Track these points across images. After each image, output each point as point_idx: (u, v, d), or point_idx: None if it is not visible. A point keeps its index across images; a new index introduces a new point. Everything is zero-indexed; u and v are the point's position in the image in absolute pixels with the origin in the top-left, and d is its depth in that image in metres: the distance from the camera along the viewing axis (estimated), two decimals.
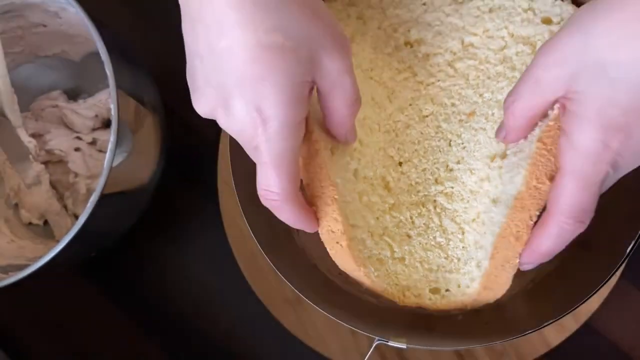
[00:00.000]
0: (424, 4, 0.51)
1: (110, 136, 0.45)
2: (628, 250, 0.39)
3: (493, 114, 0.47)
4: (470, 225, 0.47)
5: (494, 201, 0.47)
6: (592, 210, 0.34)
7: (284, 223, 0.43)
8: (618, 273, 0.49)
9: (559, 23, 0.47)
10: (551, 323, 0.40)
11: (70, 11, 0.51)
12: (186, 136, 0.62)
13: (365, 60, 0.50)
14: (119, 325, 0.61)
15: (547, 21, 0.48)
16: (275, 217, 0.42)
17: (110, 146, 0.45)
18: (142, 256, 0.62)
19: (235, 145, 0.44)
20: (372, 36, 0.50)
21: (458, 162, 0.48)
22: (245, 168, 0.47)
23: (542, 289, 0.47)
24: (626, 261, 0.40)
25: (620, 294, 0.51)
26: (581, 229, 0.35)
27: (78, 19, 0.47)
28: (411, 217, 0.48)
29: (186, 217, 0.62)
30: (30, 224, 0.58)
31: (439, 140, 0.48)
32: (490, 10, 0.49)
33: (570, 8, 0.47)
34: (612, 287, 0.51)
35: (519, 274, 0.47)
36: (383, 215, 0.47)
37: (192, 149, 0.63)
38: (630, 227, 0.41)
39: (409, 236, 0.48)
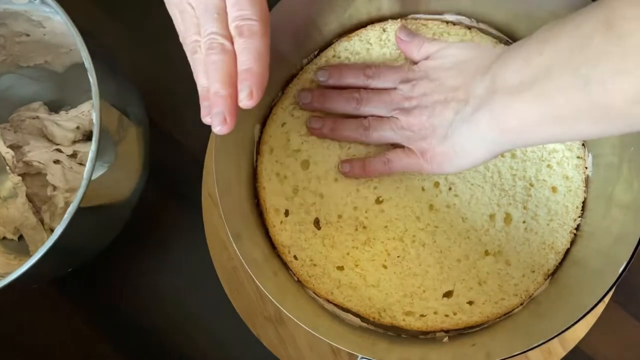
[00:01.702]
0: None
1: (92, 145, 0.44)
2: (620, 271, 0.39)
3: (492, 177, 0.48)
4: (452, 263, 0.47)
5: (486, 253, 0.47)
6: None
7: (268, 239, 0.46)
8: (607, 297, 0.49)
9: None
10: (543, 344, 0.39)
11: (55, 20, 0.50)
12: (171, 151, 0.62)
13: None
14: (93, 344, 0.59)
15: None
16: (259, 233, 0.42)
17: (90, 156, 0.44)
18: (122, 272, 0.60)
19: (220, 150, 0.44)
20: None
21: (448, 207, 0.48)
22: (229, 181, 0.46)
23: (532, 310, 0.46)
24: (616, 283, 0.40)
25: (610, 318, 0.51)
26: None
27: (63, 28, 0.46)
28: (387, 250, 0.48)
29: (169, 233, 0.61)
30: (4, 238, 0.57)
31: (423, 180, 0.49)
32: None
33: None
34: (602, 311, 0.50)
35: (507, 297, 0.47)
36: (354, 251, 0.48)
37: (177, 164, 0.62)
38: (623, 248, 0.40)
39: (384, 266, 0.48)
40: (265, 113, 0.52)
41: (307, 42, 0.51)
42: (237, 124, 0.45)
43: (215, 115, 0.36)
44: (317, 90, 0.50)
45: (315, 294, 0.49)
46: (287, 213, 0.50)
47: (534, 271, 0.47)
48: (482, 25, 0.50)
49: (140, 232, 0.60)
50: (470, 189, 0.48)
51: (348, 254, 0.49)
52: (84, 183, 0.43)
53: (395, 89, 0.47)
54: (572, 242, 0.48)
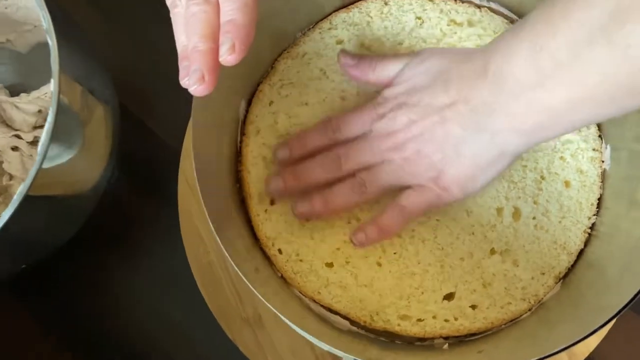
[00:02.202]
0: (419, 17, 0.46)
1: (48, 117, 0.38)
2: None
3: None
4: (454, 262, 0.43)
5: (492, 252, 0.43)
6: None
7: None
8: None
9: None
10: (552, 355, 0.34)
11: None
12: (146, 141, 0.57)
13: (334, 89, 0.46)
14: (50, 353, 0.53)
15: None
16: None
17: (45, 130, 0.38)
18: (84, 271, 0.55)
19: (199, 126, 0.38)
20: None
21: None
22: (209, 162, 0.41)
23: (541, 316, 0.42)
24: None
25: (625, 327, 0.47)
26: None
27: (27, 1, 0.41)
28: (382, 246, 0.43)
29: (140, 228, 0.56)
30: None
31: None
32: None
33: None
34: (616, 319, 0.46)
35: (514, 301, 0.42)
36: (345, 246, 0.44)
37: (152, 155, 0.57)
38: None
39: (379, 264, 0.43)
40: (252, 89, 0.47)
41: (303, 14, 0.47)
42: (220, 99, 0.40)
43: (192, 72, 0.31)
44: (286, 170, 0.43)
45: (301, 293, 0.44)
46: (272, 202, 0.45)
47: (544, 273, 0.43)
48: (492, 5, 0.46)
49: (108, 226, 0.55)
50: None
51: (339, 249, 0.44)
52: (35, 166, 0.37)
53: (370, 131, 0.41)
54: (586, 243, 0.43)
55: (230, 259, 0.37)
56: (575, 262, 0.43)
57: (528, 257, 0.43)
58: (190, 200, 0.52)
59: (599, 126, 0.44)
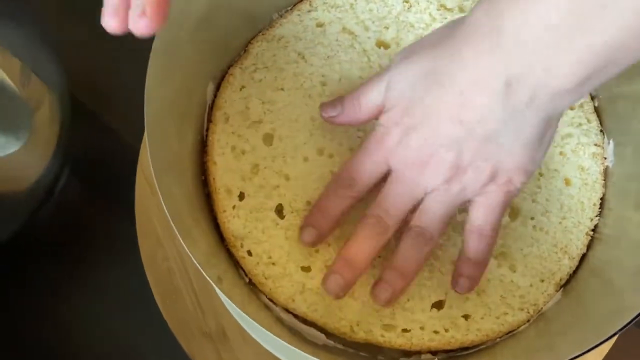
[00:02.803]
0: (406, 1, 0.43)
1: None
2: None
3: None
4: (445, 266, 0.38)
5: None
6: None
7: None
8: None
9: None
10: None
11: None
12: (103, 140, 0.53)
13: (313, 74, 0.42)
14: None
15: None
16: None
17: None
18: (20, 278, 0.49)
19: (155, 104, 0.33)
20: (330, 42, 0.42)
21: None
22: (169, 149, 0.36)
23: (541, 328, 0.37)
24: None
25: (629, 340, 0.42)
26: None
27: None
28: None
29: (93, 235, 0.51)
30: None
31: None
32: None
33: None
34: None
35: (511, 311, 0.38)
36: (325, 247, 0.39)
37: (109, 154, 0.53)
38: None
39: None
40: (222, 72, 0.42)
41: None
42: (183, 77, 0.36)
43: (132, 8, 0.26)
44: (336, 260, 0.38)
45: (272, 300, 0.39)
46: (242, 196, 0.40)
47: (543, 280, 0.39)
48: None
49: (55, 231, 0.50)
50: None
51: (317, 251, 0.39)
52: None
53: (390, 170, 0.36)
54: (589, 247, 0.39)
55: (195, 263, 0.32)
56: (578, 267, 0.39)
57: (526, 262, 0.39)
58: (149, 201, 0.47)
59: (600, 120, 0.41)
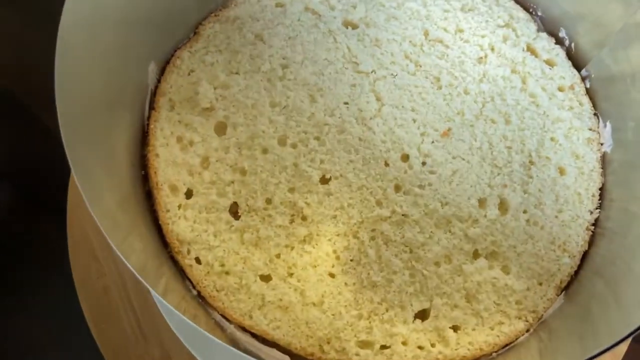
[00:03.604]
0: None
1: None
2: None
3: (480, 148, 0.35)
4: (428, 268, 0.33)
5: (475, 254, 0.34)
6: None
7: None
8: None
9: (547, 61, 0.38)
10: None
11: None
12: (42, 144, 0.47)
13: (273, 56, 0.37)
14: None
15: (532, 52, 0.38)
16: None
17: None
18: None
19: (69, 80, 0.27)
20: (292, 22, 0.38)
21: (421, 187, 0.34)
22: (97, 137, 0.30)
23: (543, 339, 0.32)
24: None
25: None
26: None
27: None
28: (335, 251, 0.33)
29: (19, 250, 0.45)
30: None
31: (387, 151, 0.35)
32: (463, 9, 0.39)
33: (552, 44, 0.38)
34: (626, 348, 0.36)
35: (507, 319, 0.33)
36: (288, 252, 0.34)
37: (44, 160, 0.46)
38: None
39: (331, 275, 0.33)
40: (165, 52, 0.37)
41: None
42: (115, 61, 0.31)
43: None
44: None
45: (225, 317, 0.32)
46: (189, 194, 0.34)
47: (541, 283, 0.33)
48: None
49: None
50: (452, 163, 0.35)
51: (278, 256, 0.33)
52: None
53: None
54: (591, 243, 0.34)
55: (137, 275, 0.25)
56: (580, 267, 0.34)
57: (521, 261, 0.34)
58: (83, 210, 0.40)
59: (594, 103, 0.37)
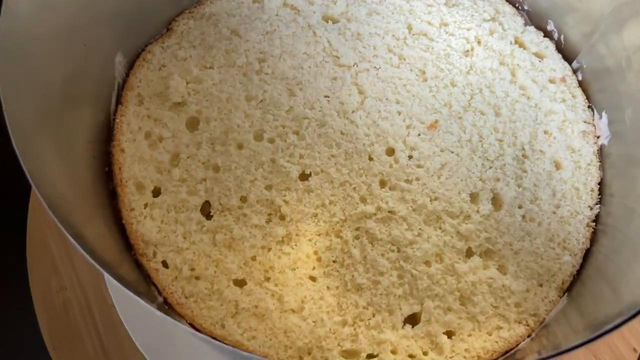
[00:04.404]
0: None
1: None
2: None
3: (470, 140, 0.33)
4: (417, 267, 0.30)
5: (468, 252, 0.32)
6: None
7: None
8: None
9: (536, 54, 0.36)
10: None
11: None
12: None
13: (249, 50, 0.35)
14: None
15: (521, 44, 0.37)
16: None
17: None
18: None
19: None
20: (270, 17, 0.36)
21: (408, 181, 0.32)
22: (54, 129, 0.28)
23: (545, 346, 0.29)
24: None
25: None
26: None
27: None
28: (316, 252, 0.31)
29: None
30: None
31: (371, 145, 0.33)
32: (447, 3, 0.37)
33: (540, 37, 0.37)
34: None
35: (506, 324, 0.30)
36: (264, 254, 0.31)
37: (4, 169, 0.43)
38: None
39: (312, 278, 0.31)
40: (135, 47, 0.35)
41: None
42: (71, 43, 0.29)
43: None
44: None
45: (194, 327, 0.29)
46: (157, 192, 0.32)
47: (542, 284, 0.31)
48: None
49: None
50: (440, 156, 0.33)
51: (254, 258, 0.30)
52: None
53: None
54: (592, 241, 0.32)
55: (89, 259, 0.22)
56: (582, 266, 0.31)
57: (518, 260, 0.31)
58: (44, 218, 0.37)
59: (588, 95, 0.35)
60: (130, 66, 0.34)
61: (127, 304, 0.34)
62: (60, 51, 0.28)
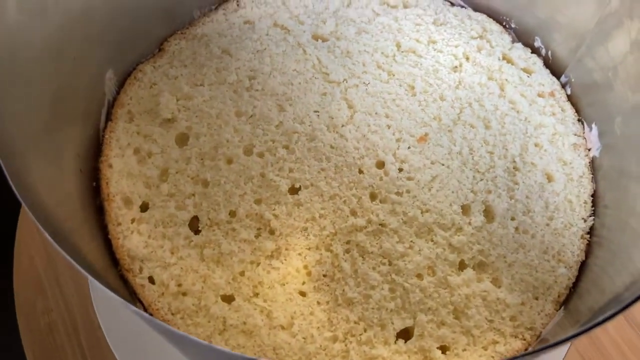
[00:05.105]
0: None
1: None
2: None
3: (460, 153, 0.33)
4: (409, 280, 0.30)
5: (461, 265, 0.31)
6: None
7: None
8: None
9: (524, 69, 0.37)
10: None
11: None
12: None
13: (240, 68, 0.36)
14: None
15: (509, 60, 0.37)
16: None
17: None
18: None
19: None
20: (260, 36, 0.37)
21: (399, 194, 0.32)
22: (41, 144, 0.28)
23: None
24: None
25: None
26: None
27: None
28: (306, 266, 0.30)
29: None
30: None
31: (361, 158, 0.33)
32: (435, 23, 0.38)
33: (528, 53, 0.37)
34: None
35: (501, 338, 0.29)
36: (253, 269, 0.30)
37: None
38: None
39: (302, 294, 0.30)
40: (126, 65, 0.35)
41: None
42: (68, 50, 0.29)
43: None
44: None
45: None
46: (145, 207, 0.31)
47: (538, 297, 0.30)
48: None
49: None
50: (431, 169, 0.32)
51: (242, 273, 0.30)
52: None
53: None
54: (588, 253, 0.31)
55: (70, 261, 0.22)
56: (579, 278, 0.31)
57: (512, 273, 0.30)
58: (32, 240, 0.37)
59: (576, 109, 0.35)
60: (121, 84, 0.35)
61: (114, 323, 0.33)
62: (49, 63, 0.28)
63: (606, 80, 0.32)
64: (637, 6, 0.29)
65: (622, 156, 0.32)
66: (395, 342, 0.28)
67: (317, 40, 0.37)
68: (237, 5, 0.38)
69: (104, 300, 0.34)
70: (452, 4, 0.39)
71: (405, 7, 0.39)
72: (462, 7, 0.39)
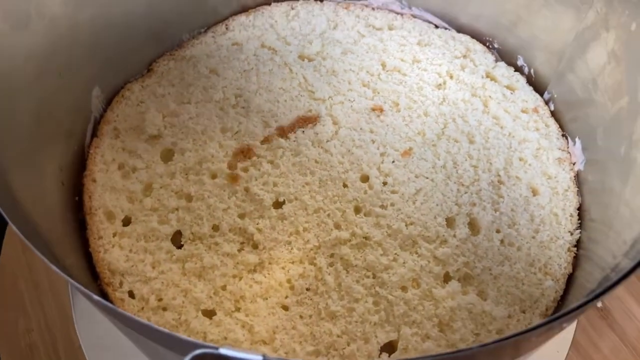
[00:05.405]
0: (332, 20, 0.40)
1: None
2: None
3: (444, 166, 0.33)
4: (393, 293, 0.29)
5: (446, 277, 0.31)
6: None
7: None
8: None
9: (507, 87, 0.37)
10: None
11: None
12: None
13: (227, 87, 0.36)
14: None
15: (492, 78, 0.38)
16: None
17: None
18: None
19: None
20: (248, 57, 0.38)
21: (383, 207, 0.32)
22: (27, 159, 0.28)
23: None
24: None
25: None
26: None
27: None
28: (289, 280, 0.30)
29: None
30: None
31: (345, 172, 0.33)
32: (419, 43, 0.39)
33: (511, 71, 0.38)
34: None
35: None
36: (235, 283, 0.30)
37: None
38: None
39: (284, 308, 0.30)
40: (112, 81, 0.35)
41: (193, 17, 0.38)
42: (54, 64, 0.29)
43: None
44: None
45: None
46: (127, 221, 0.31)
47: (525, 310, 0.29)
48: (415, 10, 0.40)
49: None
50: (415, 182, 0.32)
51: (224, 287, 0.29)
52: None
53: None
54: (575, 266, 0.31)
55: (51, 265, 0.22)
56: (566, 291, 0.30)
57: (498, 285, 0.30)
58: (17, 258, 0.37)
59: (560, 125, 0.35)
60: (109, 102, 0.35)
61: (94, 341, 0.32)
62: (33, 75, 0.29)
63: (587, 93, 0.32)
64: (612, 17, 0.29)
65: (604, 170, 0.31)
66: (379, 355, 0.28)
67: (304, 60, 0.38)
68: (226, 28, 0.39)
69: (86, 319, 0.33)
70: (437, 26, 0.40)
71: (390, 29, 0.40)
72: (446, 29, 0.40)
